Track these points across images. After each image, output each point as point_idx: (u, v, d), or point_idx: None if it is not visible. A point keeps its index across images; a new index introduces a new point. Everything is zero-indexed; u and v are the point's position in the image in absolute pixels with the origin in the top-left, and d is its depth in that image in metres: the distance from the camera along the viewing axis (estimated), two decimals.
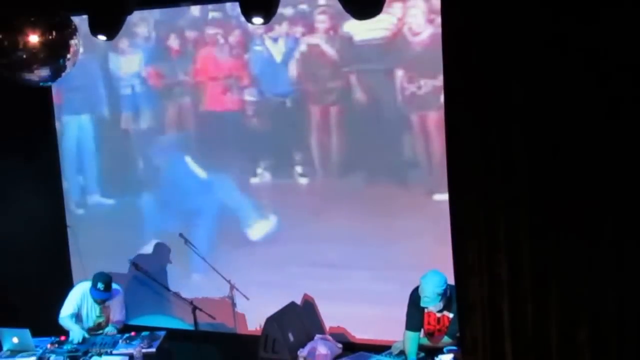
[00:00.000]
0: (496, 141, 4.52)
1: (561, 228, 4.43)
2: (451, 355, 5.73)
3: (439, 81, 6.51)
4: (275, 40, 7.26)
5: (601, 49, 4.24)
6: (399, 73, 6.79)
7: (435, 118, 6.68)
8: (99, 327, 7.17)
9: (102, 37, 6.52)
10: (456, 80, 4.62)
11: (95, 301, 7.09)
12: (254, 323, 7.69)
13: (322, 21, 7.03)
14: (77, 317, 7.11)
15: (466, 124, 4.61)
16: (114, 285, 7.17)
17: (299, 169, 7.37)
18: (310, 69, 7.15)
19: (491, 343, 4.64)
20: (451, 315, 6.06)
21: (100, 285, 6.94)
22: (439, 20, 6.32)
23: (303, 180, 7.38)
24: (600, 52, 4.24)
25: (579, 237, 4.40)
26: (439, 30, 6.32)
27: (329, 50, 7.03)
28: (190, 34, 7.62)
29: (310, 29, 7.08)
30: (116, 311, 7.20)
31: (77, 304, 7.13)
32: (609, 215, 4.33)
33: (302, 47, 7.15)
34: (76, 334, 6.96)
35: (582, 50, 4.25)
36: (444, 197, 6.39)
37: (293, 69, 7.23)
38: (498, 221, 4.54)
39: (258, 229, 7.63)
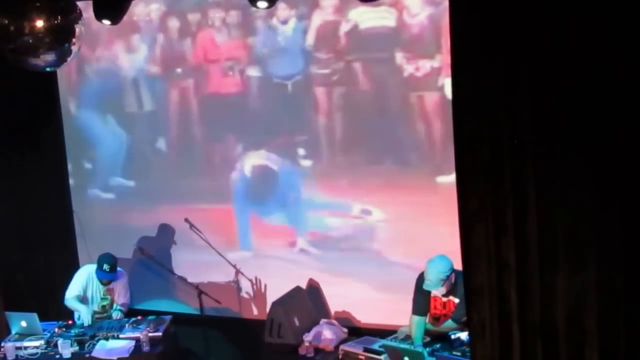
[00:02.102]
0: (504, 123, 4.50)
1: (569, 212, 4.43)
2: (466, 333, 5.75)
3: (439, 62, 6.54)
4: (278, 22, 7.24)
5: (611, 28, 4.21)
6: (400, 55, 6.78)
7: (437, 99, 6.69)
8: (103, 309, 7.20)
9: (106, 22, 6.52)
10: (463, 59, 4.60)
11: (101, 282, 7.12)
12: (260, 307, 7.71)
13: (324, 1, 7.01)
14: (83, 299, 7.14)
15: (473, 105, 4.58)
16: (118, 269, 7.21)
17: (302, 151, 7.38)
18: (312, 52, 7.14)
19: (499, 326, 4.65)
20: (457, 300, 6.08)
21: (105, 267, 6.98)
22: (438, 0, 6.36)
23: (306, 163, 7.38)
24: (610, 32, 4.21)
25: (586, 221, 4.39)
26: (438, 10, 6.36)
27: (332, 32, 7.02)
28: (193, 17, 7.60)
29: (312, 11, 7.06)
30: (120, 294, 7.23)
31: (83, 285, 7.16)
32: (617, 199, 4.33)
33: (305, 29, 7.13)
34: (85, 313, 7.01)
35: (595, 27, 4.21)
36: (447, 179, 6.44)
37: (296, 52, 7.22)
38: (506, 204, 4.54)
39: (262, 213, 7.65)
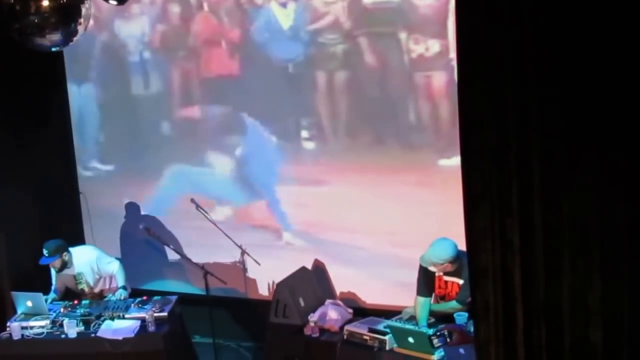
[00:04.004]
0: (510, 104, 4.48)
1: (574, 193, 4.41)
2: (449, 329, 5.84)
3: (446, 43, 6.51)
4: (278, 3, 7.21)
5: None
6: (406, 35, 6.75)
7: (442, 81, 6.67)
8: (84, 293, 7.23)
9: (113, 2, 6.49)
10: (469, 40, 4.57)
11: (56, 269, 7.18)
12: (265, 288, 7.74)
13: None
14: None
15: (479, 84, 4.56)
16: (88, 254, 7.22)
17: (305, 133, 7.37)
18: (316, 33, 7.11)
19: (503, 308, 4.65)
20: (461, 282, 6.09)
21: (45, 252, 6.99)
22: None
23: (310, 145, 7.38)
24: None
25: (592, 203, 4.38)
26: None
27: (336, 14, 6.99)
28: None
29: None
30: (113, 281, 7.27)
31: (54, 275, 7.29)
32: (623, 180, 4.32)
33: (308, 10, 7.10)
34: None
35: (606, 11, 4.18)
36: (450, 162, 6.45)
37: (298, 33, 7.19)
38: (510, 185, 4.53)
39: (266, 194, 7.66)
